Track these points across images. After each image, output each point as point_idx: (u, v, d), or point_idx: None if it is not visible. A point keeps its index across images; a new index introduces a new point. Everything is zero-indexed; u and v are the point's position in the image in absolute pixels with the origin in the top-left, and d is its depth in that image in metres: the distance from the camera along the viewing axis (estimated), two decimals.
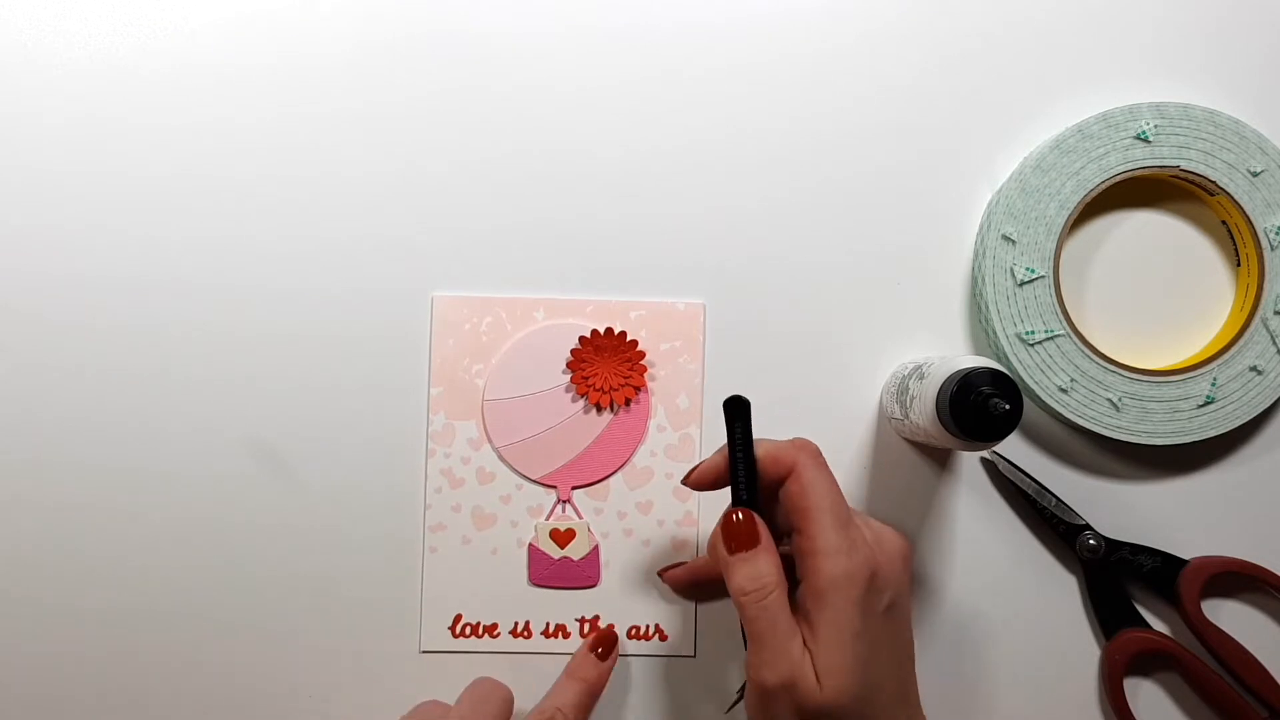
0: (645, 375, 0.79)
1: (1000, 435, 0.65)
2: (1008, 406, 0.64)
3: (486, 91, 0.79)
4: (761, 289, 0.80)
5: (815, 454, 0.68)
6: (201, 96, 0.78)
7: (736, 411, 0.68)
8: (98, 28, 0.78)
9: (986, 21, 0.80)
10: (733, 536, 0.67)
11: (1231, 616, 0.80)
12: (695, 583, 0.78)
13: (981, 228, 0.79)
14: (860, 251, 0.79)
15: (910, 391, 0.71)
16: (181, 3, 0.78)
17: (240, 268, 0.78)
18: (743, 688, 0.71)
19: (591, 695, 0.75)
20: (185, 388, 0.78)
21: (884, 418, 0.80)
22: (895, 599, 0.67)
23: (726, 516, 0.68)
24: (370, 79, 0.79)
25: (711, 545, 0.69)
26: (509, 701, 0.74)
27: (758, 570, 0.66)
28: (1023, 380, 0.77)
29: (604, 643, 0.77)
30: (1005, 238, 0.77)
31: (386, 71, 0.79)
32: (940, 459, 0.80)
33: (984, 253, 0.78)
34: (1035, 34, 0.80)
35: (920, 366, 0.72)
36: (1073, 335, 0.77)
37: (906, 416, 0.72)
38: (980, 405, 0.64)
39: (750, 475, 0.68)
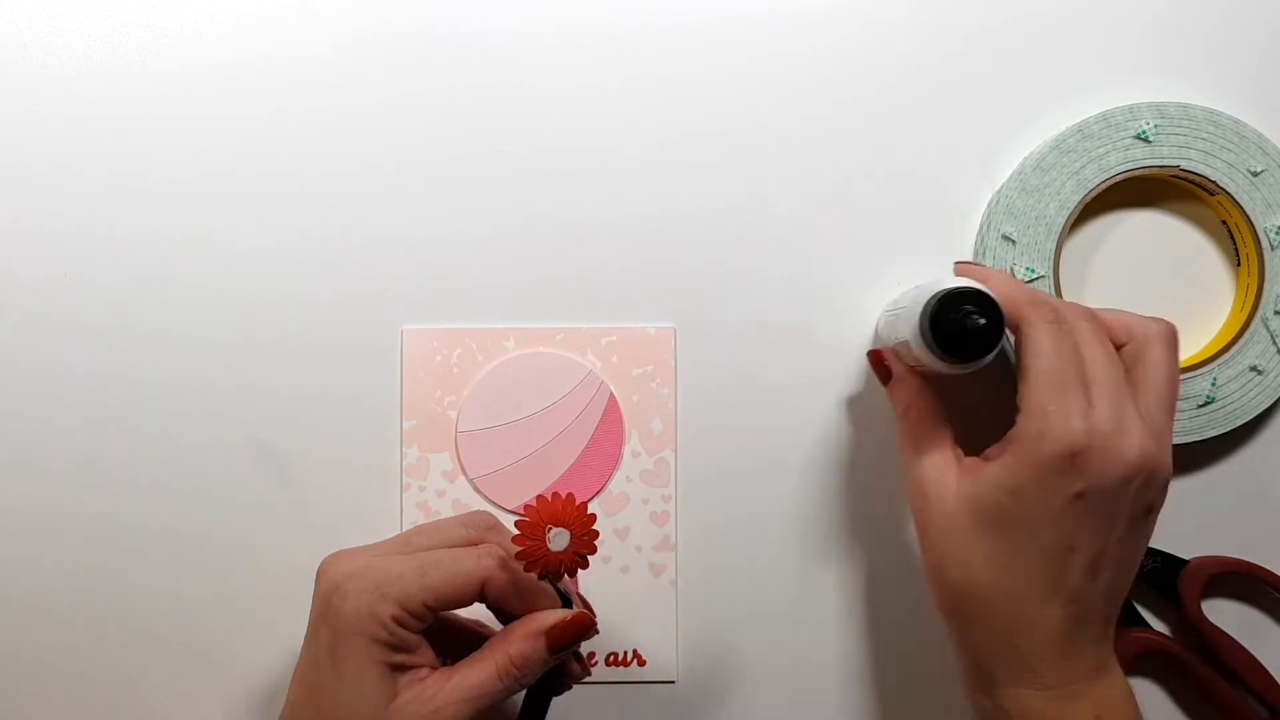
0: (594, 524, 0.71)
1: (977, 352, 0.65)
2: (983, 321, 0.64)
3: (449, 125, 0.79)
4: (739, 305, 0.79)
5: (1170, 339, 0.68)
6: (164, 122, 0.78)
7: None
8: (98, 27, 0.78)
9: (986, 20, 0.80)
10: (877, 373, 0.75)
11: (1231, 616, 0.79)
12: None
13: (981, 227, 0.79)
14: (856, 252, 0.79)
15: (901, 317, 0.71)
16: (171, 11, 0.79)
17: (206, 310, 0.78)
18: None
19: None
20: (165, 409, 0.78)
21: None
22: (1089, 493, 0.64)
23: (868, 356, 0.75)
24: (325, 128, 0.79)
25: None
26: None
27: (894, 398, 0.73)
28: None
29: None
30: (1005, 237, 0.77)
31: (345, 119, 0.79)
32: None
33: (984, 252, 0.78)
34: (1035, 33, 0.80)
35: (908, 292, 0.72)
36: None
37: (899, 347, 0.72)
38: (958, 322, 0.65)
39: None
